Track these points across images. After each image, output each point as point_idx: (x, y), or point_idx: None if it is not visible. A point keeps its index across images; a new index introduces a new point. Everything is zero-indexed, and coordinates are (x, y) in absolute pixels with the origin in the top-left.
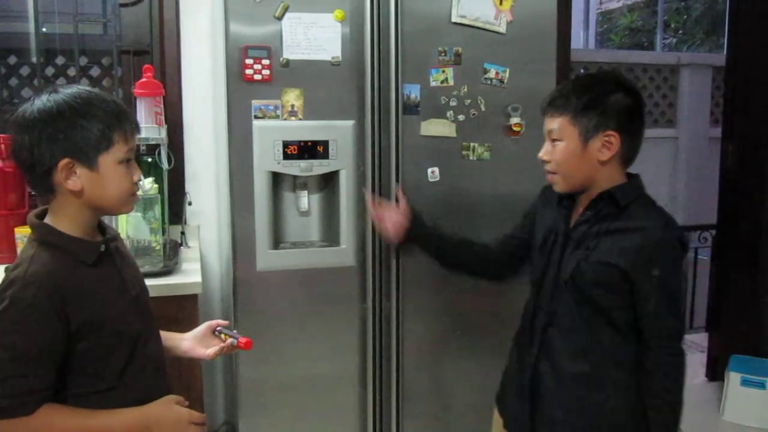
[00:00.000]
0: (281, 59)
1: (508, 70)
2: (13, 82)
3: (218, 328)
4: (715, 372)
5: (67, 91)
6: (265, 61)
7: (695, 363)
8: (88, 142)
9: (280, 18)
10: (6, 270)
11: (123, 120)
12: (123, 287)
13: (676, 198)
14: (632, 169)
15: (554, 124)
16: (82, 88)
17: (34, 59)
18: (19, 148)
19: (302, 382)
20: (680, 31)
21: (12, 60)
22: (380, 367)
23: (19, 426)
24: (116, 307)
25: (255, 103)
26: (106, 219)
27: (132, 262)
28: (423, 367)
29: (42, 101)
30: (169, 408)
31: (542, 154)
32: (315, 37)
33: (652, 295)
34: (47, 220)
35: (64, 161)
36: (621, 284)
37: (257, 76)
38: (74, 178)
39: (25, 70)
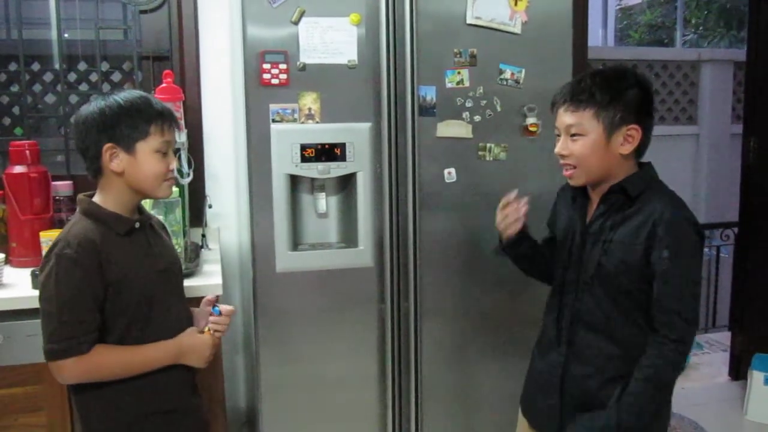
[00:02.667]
0: (298, 63)
1: (523, 70)
2: (37, 88)
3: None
4: (738, 371)
5: (121, 94)
6: (283, 66)
7: (718, 362)
8: (127, 131)
9: (296, 23)
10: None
11: (160, 117)
12: (151, 258)
13: (698, 195)
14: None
15: (576, 118)
16: (134, 91)
17: (56, 65)
18: (77, 139)
19: (321, 382)
20: (701, 27)
21: (35, 66)
22: (399, 367)
23: (78, 364)
24: (139, 273)
25: (273, 107)
26: None
27: (167, 243)
28: (441, 367)
29: (98, 103)
30: (194, 336)
31: (560, 149)
32: (331, 41)
33: (660, 276)
34: (95, 197)
35: (108, 145)
36: (639, 267)
37: (275, 81)
38: (116, 161)
39: (48, 77)
